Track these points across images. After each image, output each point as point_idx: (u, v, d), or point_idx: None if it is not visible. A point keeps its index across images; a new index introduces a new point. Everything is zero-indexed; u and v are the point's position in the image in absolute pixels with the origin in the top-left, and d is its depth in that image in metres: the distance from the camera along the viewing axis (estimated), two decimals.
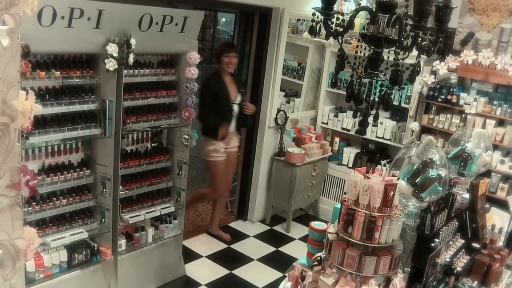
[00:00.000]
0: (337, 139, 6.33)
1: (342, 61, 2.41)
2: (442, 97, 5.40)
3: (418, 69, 2.45)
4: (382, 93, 2.40)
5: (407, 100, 5.65)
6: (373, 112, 2.55)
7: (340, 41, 2.37)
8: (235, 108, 5.22)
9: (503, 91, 5.28)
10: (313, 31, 2.42)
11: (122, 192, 4.11)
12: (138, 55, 3.92)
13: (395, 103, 5.63)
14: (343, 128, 6.18)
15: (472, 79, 5.44)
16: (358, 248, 2.46)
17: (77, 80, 3.62)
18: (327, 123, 6.34)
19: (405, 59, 2.38)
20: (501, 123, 5.26)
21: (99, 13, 3.44)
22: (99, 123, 3.78)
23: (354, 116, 2.53)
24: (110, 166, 3.89)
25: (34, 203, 3.56)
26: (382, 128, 5.85)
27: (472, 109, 5.20)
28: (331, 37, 2.34)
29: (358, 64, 2.47)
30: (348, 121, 6.08)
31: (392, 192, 2.39)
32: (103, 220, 3.99)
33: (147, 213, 4.33)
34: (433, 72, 5.34)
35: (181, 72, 4.33)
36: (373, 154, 5.91)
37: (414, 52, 2.43)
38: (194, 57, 4.25)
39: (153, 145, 4.50)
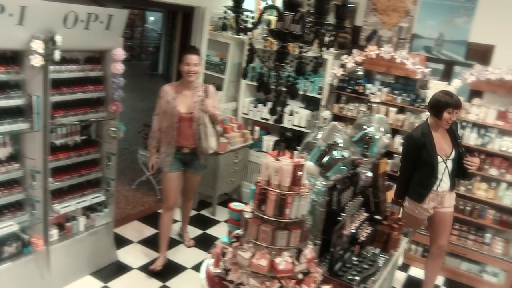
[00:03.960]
0: (257, 128, 6.44)
1: (251, 55, 2.48)
2: (351, 87, 5.64)
3: (321, 61, 2.57)
4: (289, 83, 2.49)
5: (320, 91, 5.84)
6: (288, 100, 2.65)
7: (250, 36, 2.44)
8: (449, 165, 4.14)
9: (402, 82, 5.60)
10: (225, 27, 2.48)
11: (53, 184, 4.01)
12: (64, 51, 3.81)
13: (307, 93, 5.83)
14: (262, 118, 6.29)
15: (376, 71, 5.72)
16: (271, 224, 2.56)
17: (2, 75, 3.49)
18: (247, 114, 6.43)
19: (309, 52, 2.49)
20: (401, 110, 5.55)
21: (21, 10, 3.31)
22: (27, 118, 3.66)
23: (264, 105, 2.61)
24: (39, 160, 3.78)
25: None
26: (298, 117, 6.01)
27: (376, 98, 5.48)
28: (241, 32, 2.40)
29: (267, 58, 2.55)
30: (267, 111, 6.18)
31: (300, 172, 2.50)
32: (33, 212, 3.88)
33: (78, 203, 4.24)
34: (342, 65, 5.55)
35: (107, 67, 4.26)
36: (291, 141, 6.04)
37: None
38: (119, 53, 4.20)
39: (82, 138, 4.40)
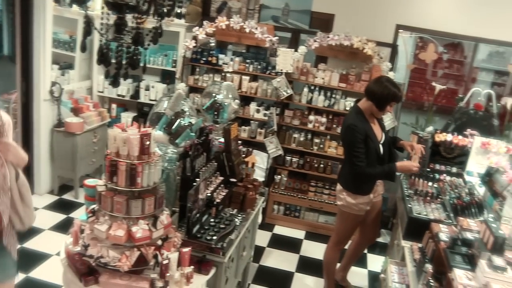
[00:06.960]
0: (114, 106, 6.38)
1: (89, 28, 2.49)
2: (204, 59, 5.78)
3: (160, 31, 2.65)
4: (129, 54, 2.55)
5: (174, 64, 5.91)
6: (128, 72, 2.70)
7: (84, 8, 2.45)
8: (381, 149, 3.84)
9: (253, 51, 5.88)
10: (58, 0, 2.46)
11: None
12: None
13: (163, 67, 5.88)
14: (118, 95, 6.22)
15: (228, 42, 5.92)
16: (125, 194, 2.63)
17: None
18: (103, 92, 6.31)
19: (146, 22, 2.56)
20: (254, 78, 5.84)
21: None
22: None
23: (106, 77, 2.64)
24: None
25: None
26: (154, 92, 6.05)
27: (229, 68, 5.70)
28: (75, 4, 2.39)
29: (106, 30, 2.57)
30: (123, 88, 6.13)
31: (148, 141, 2.59)
32: None
33: None
34: (194, 37, 5.66)
35: None
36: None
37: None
38: None
39: None
